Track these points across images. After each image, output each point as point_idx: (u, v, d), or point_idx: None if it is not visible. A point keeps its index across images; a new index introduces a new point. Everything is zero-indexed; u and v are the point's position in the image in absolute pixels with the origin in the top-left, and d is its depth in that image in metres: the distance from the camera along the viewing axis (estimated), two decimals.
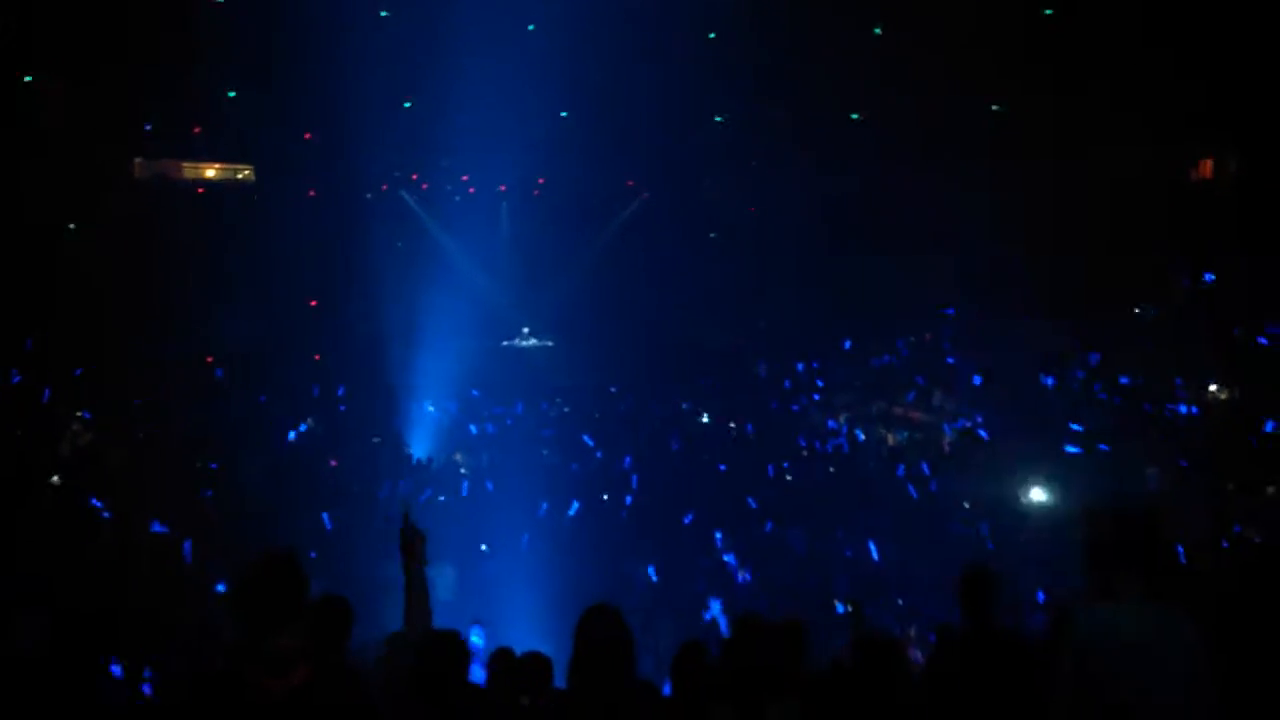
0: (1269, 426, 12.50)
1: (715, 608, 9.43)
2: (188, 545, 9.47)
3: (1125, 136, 17.39)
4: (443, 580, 11.10)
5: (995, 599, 4.79)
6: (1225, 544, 9.80)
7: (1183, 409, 14.22)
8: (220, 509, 11.97)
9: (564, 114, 19.96)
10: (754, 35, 18.86)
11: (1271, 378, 13.59)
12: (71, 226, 17.74)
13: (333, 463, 13.81)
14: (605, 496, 12.86)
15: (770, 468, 13.88)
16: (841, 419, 16.23)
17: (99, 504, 10.80)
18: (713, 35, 19.65)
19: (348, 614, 4.59)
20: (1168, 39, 15.54)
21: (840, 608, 6.06)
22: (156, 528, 11.09)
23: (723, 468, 13.88)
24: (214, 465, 13.29)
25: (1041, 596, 8.98)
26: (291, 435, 14.03)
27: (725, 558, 10.64)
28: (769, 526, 11.99)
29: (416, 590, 4.45)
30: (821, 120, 19.55)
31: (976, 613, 4.76)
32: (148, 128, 19.18)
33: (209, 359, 16.87)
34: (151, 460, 13.13)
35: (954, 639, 4.98)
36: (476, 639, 7.65)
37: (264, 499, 12.23)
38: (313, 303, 18.80)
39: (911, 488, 12.75)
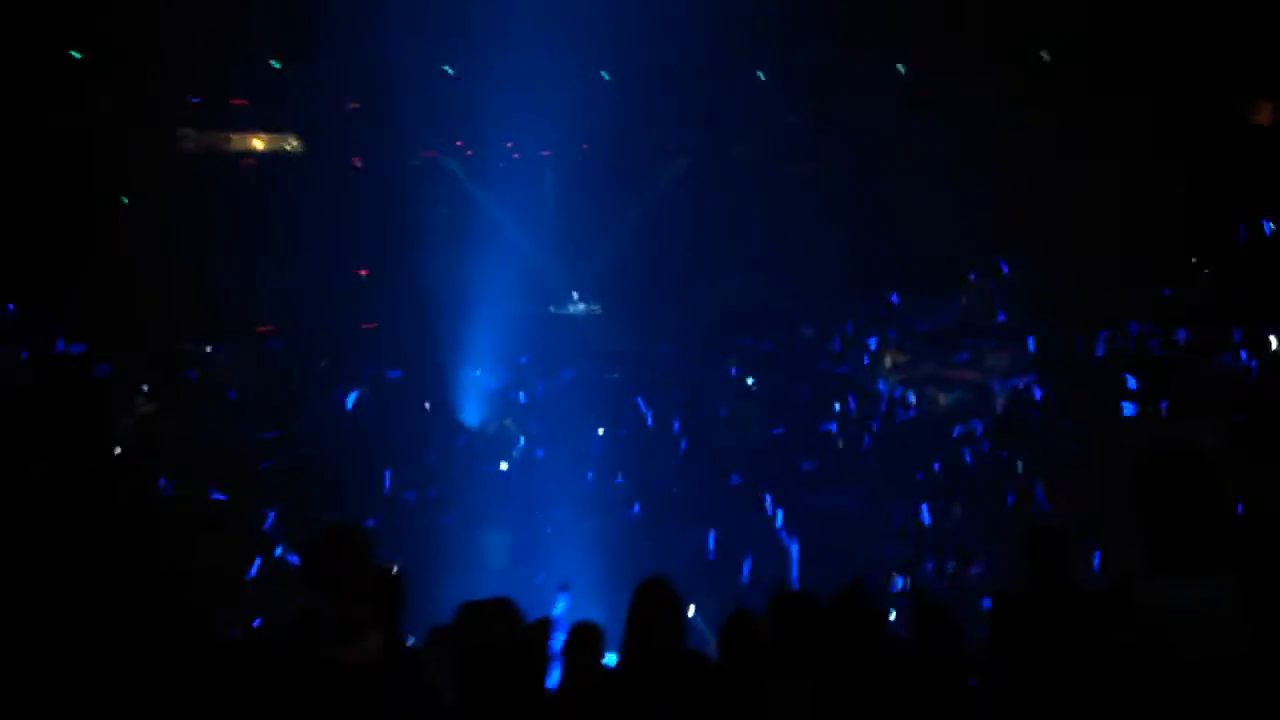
0: None
1: (745, 569, 9.52)
2: (271, 516, 9.64)
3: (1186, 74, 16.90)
4: (498, 546, 11.29)
5: (1065, 558, 4.67)
6: None
7: (1243, 359, 13.91)
8: (279, 477, 12.23)
9: (605, 76, 19.83)
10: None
11: None
12: (125, 200, 17.98)
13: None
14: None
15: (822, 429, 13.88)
16: (891, 380, 16.13)
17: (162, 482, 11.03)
18: None
19: (402, 586, 4.67)
20: None
21: (900, 581, 6.04)
22: (216, 496, 11.36)
23: (777, 431, 13.87)
24: (270, 434, 13.54)
25: (1097, 562, 8.92)
26: (349, 404, 14.19)
27: (776, 527, 10.68)
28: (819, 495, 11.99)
29: None
30: (863, 68, 19.20)
31: (1046, 573, 4.63)
32: (195, 100, 19.32)
33: (260, 329, 17.09)
34: (209, 431, 13.41)
35: (1019, 602, 4.85)
36: (561, 606, 7.72)
37: (322, 467, 12.46)
38: (363, 271, 18.94)
39: (966, 452, 12.68)
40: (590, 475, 12.28)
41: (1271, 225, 14.83)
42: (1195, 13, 15.65)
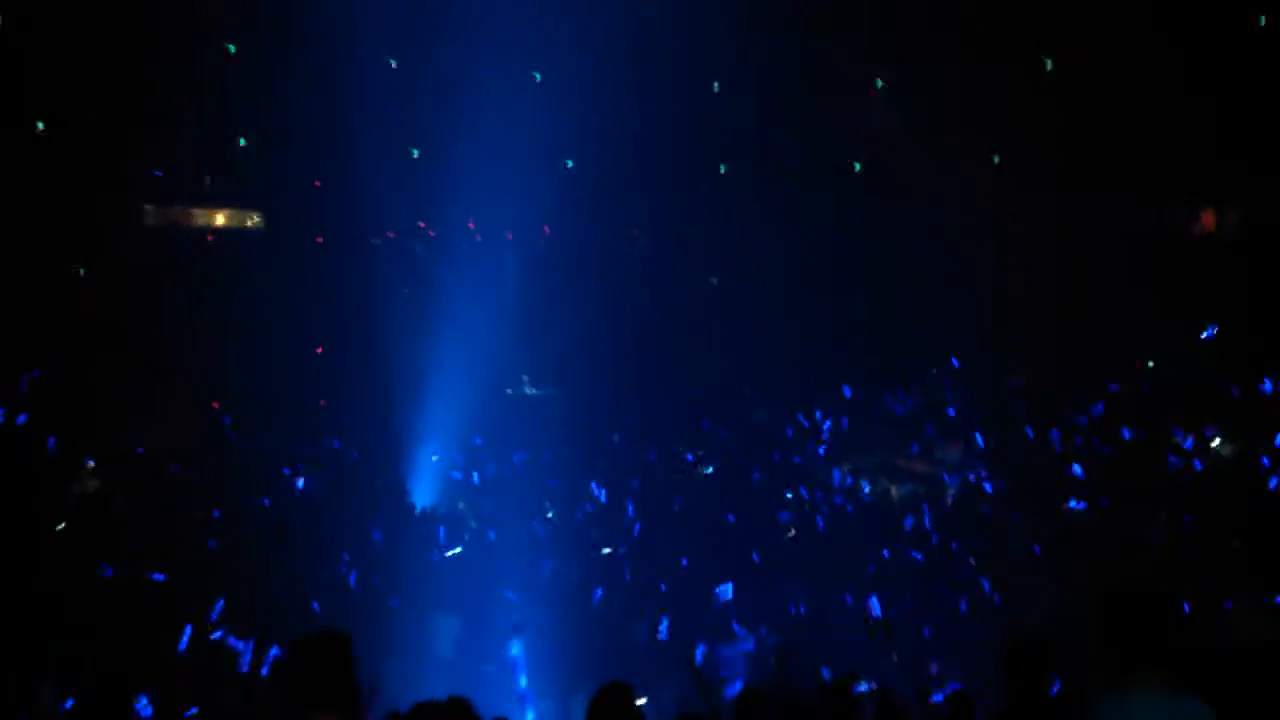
0: (1273, 483, 12.49)
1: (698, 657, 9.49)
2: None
3: (1128, 186, 17.58)
4: (446, 632, 11.13)
5: (1049, 671, 4.59)
6: (1229, 604, 9.78)
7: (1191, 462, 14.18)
8: (224, 558, 12.02)
9: (569, 163, 20.18)
10: (756, 84, 19.18)
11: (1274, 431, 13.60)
12: (80, 271, 17.87)
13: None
14: (607, 550, 12.87)
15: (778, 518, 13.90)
16: (845, 469, 16.23)
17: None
18: (716, 87, 19.93)
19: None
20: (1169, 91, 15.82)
21: (864, 686, 6.04)
22: (157, 578, 11.14)
23: (731, 518, 13.86)
24: (216, 514, 13.33)
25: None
26: (300, 484, 14.03)
27: (733, 624, 10.64)
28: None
29: None
30: (825, 166, 19.73)
31: (1027, 686, 4.55)
32: (157, 174, 19.38)
33: (215, 404, 16.93)
34: (155, 507, 13.17)
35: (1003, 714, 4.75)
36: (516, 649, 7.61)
37: (267, 547, 12.27)
38: (319, 349, 18.88)
39: (916, 552, 12.72)
40: (546, 562, 12.19)
41: (1214, 329, 15.24)
42: (1139, 123, 16.34)
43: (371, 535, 12.99)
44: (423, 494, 15.16)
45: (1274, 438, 13.30)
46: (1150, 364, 16.69)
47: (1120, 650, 3.40)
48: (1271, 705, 4.28)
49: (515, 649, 7.51)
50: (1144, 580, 3.98)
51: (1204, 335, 15.16)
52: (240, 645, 9.70)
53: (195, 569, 11.47)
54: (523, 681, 7.40)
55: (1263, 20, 15.78)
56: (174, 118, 17.78)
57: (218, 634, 10.16)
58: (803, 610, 11.71)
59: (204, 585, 10.81)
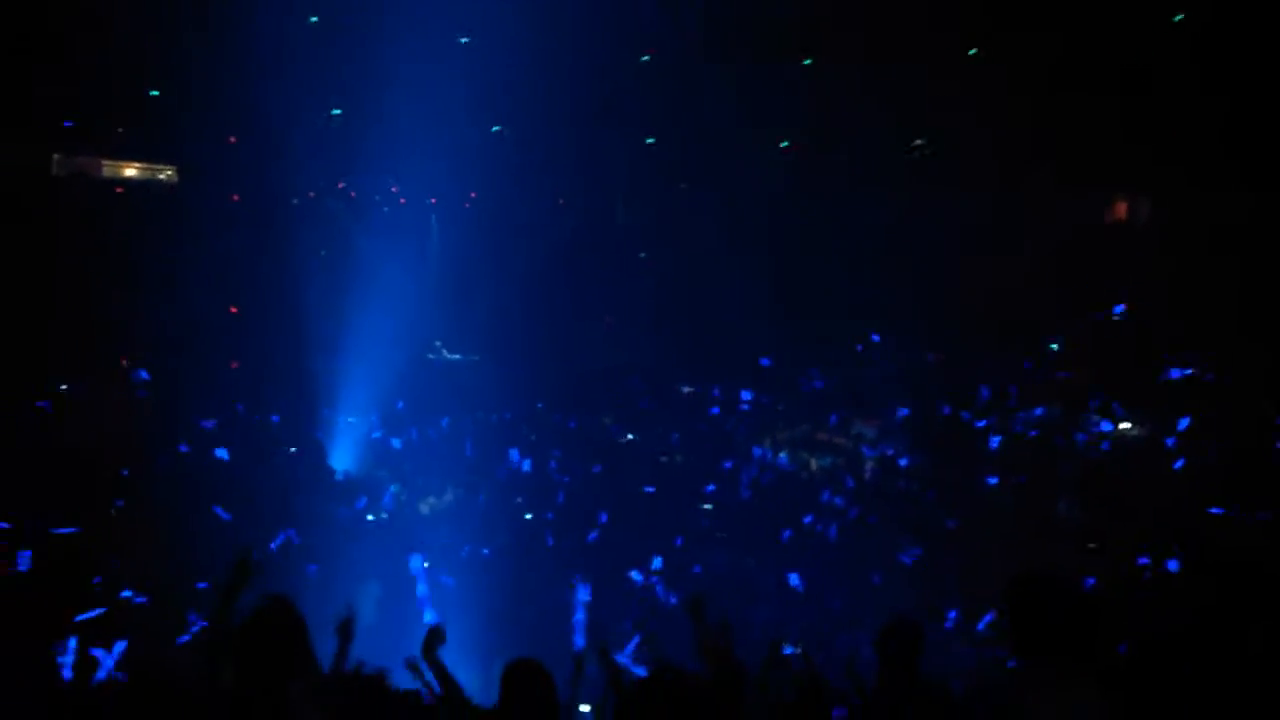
0: (1178, 464, 12.94)
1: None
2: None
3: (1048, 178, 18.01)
4: (367, 599, 10.99)
5: (918, 653, 4.73)
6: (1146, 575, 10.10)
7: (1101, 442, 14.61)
8: (129, 517, 11.72)
9: (496, 129, 19.92)
10: (688, 57, 19.09)
11: (1182, 412, 14.06)
12: None
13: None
14: (529, 516, 12.83)
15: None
16: (766, 443, 16.41)
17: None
18: (645, 58, 19.82)
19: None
20: (1087, 84, 16.15)
21: (789, 649, 6.08)
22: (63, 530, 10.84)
23: (649, 490, 13.93)
24: (124, 472, 12.96)
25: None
26: (222, 454, 13.55)
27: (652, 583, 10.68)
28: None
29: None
30: (748, 141, 19.77)
31: (899, 667, 4.69)
32: (67, 124, 18.64)
33: (123, 360, 16.40)
34: (61, 465, 12.75)
35: (875, 694, 4.88)
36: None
37: (175, 507, 11.97)
38: (233, 309, 18.39)
39: (834, 527, 12.91)
40: (469, 528, 12.11)
41: (1123, 308, 15.72)
42: (1056, 111, 16.70)
43: (289, 500, 12.75)
44: (342, 458, 14.92)
45: (1179, 421, 13.77)
46: (1055, 346, 17.13)
47: (1022, 636, 3.46)
48: (1169, 692, 4.44)
49: (415, 564, 7.47)
50: (1048, 566, 4.04)
51: (1115, 312, 15.59)
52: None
53: (106, 531, 11.16)
54: (420, 590, 7.38)
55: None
56: (85, 66, 17.08)
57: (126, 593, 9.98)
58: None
59: (115, 548, 10.54)
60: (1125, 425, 14.74)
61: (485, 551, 12.14)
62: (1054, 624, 3.42)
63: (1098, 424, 14.45)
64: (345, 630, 4.67)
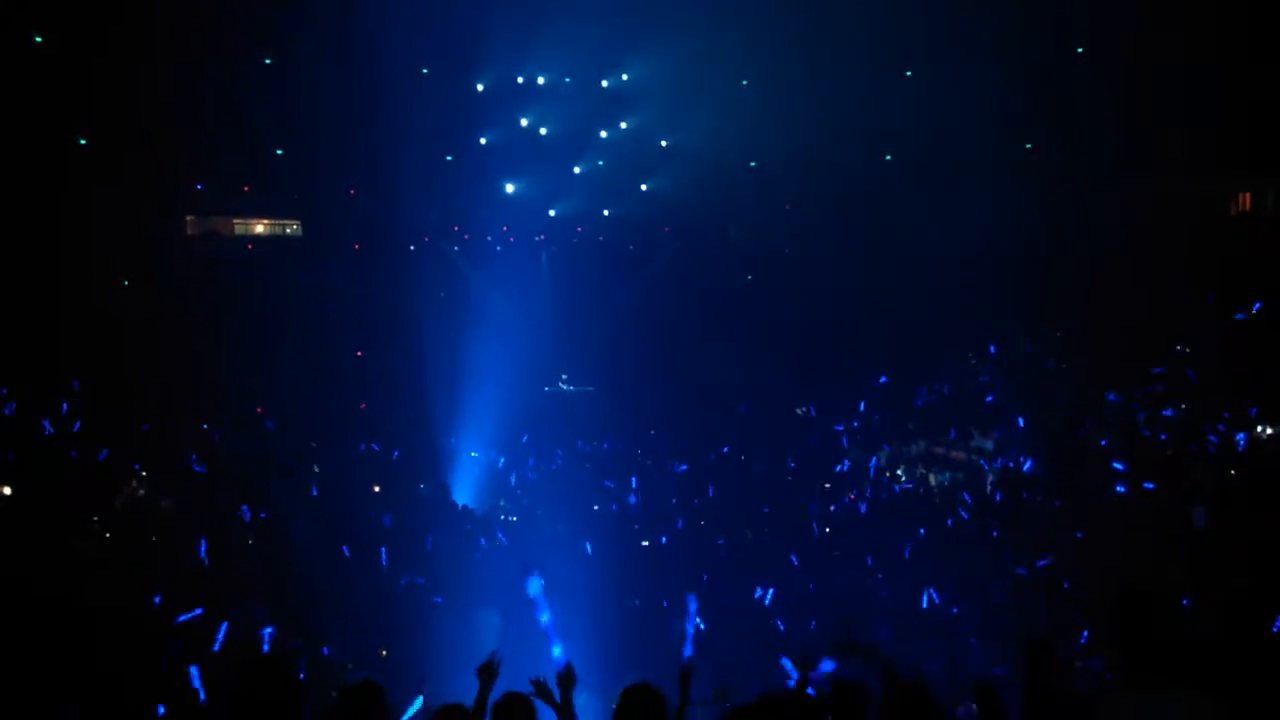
0: None
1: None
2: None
3: (1163, 168, 17.46)
4: (488, 628, 11.22)
5: (1050, 671, 4.63)
6: None
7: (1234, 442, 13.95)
8: (265, 560, 12.16)
9: (600, 163, 20.36)
10: (787, 75, 19.19)
11: None
12: (125, 283, 18.25)
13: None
14: (645, 543, 12.93)
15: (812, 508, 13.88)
16: (883, 459, 16.18)
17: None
18: (745, 82, 20.00)
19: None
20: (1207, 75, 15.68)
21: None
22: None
23: (765, 510, 13.88)
24: (263, 515, 13.50)
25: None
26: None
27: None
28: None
29: None
30: (853, 153, 19.69)
31: (1041, 686, 4.60)
32: (199, 186, 19.76)
33: (258, 410, 17.18)
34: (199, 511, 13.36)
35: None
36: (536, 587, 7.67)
37: (311, 551, 12.40)
38: (359, 353, 19.13)
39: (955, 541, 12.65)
40: (588, 555, 12.26)
41: (1248, 312, 15.08)
42: (1180, 109, 16.22)
43: (419, 537, 13.09)
44: (463, 492, 15.30)
45: None
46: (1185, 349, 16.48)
47: (1129, 650, 3.43)
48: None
49: (534, 588, 7.55)
50: (1149, 581, 3.97)
51: (1239, 316, 14.97)
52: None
53: (241, 574, 11.63)
54: (544, 618, 7.44)
55: None
56: (214, 131, 18.10)
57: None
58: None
59: (249, 590, 10.97)
60: (1260, 428, 14.08)
61: (601, 577, 12.24)
62: (1155, 634, 3.40)
63: (1231, 429, 13.80)
64: (488, 672, 4.83)
